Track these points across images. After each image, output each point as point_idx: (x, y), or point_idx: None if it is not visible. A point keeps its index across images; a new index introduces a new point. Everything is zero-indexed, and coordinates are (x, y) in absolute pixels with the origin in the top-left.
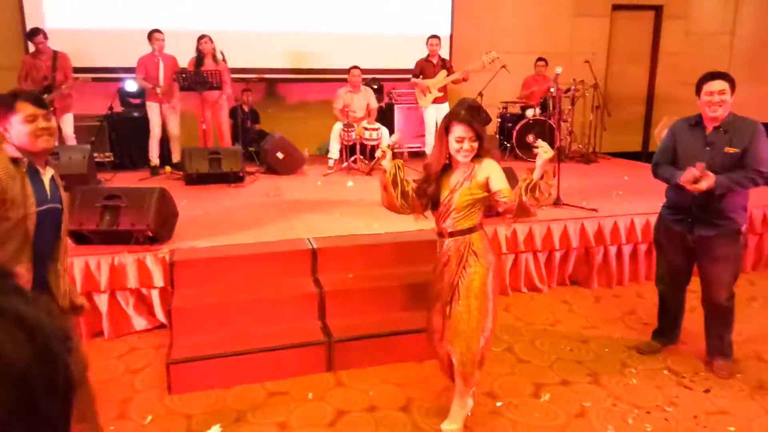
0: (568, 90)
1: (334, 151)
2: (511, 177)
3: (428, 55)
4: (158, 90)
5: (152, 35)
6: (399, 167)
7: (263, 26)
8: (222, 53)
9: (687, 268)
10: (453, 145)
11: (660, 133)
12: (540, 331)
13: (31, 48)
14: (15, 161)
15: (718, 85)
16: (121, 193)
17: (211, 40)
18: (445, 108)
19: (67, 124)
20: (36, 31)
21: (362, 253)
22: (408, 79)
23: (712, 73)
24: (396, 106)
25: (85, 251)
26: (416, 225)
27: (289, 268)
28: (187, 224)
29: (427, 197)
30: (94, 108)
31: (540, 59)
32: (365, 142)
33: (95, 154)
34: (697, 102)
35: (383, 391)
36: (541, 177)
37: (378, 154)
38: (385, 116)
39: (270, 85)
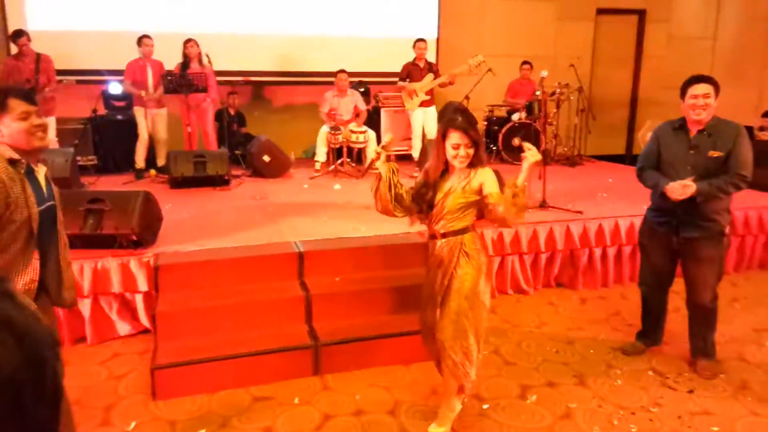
0: (553, 93)
1: (321, 154)
2: (498, 180)
3: (415, 59)
4: (143, 93)
5: (141, 40)
6: (394, 171)
7: (249, 29)
8: (208, 56)
9: (670, 269)
10: (449, 152)
11: (644, 136)
12: (526, 333)
13: (14, 50)
14: (12, 162)
15: (703, 88)
16: (104, 197)
17: (197, 43)
18: (431, 111)
19: (50, 127)
20: (19, 33)
21: (349, 256)
22: (394, 83)
23: (696, 76)
24: (382, 110)
25: None
26: (403, 228)
27: (275, 271)
28: (171, 228)
29: (426, 202)
30: (78, 111)
31: (525, 63)
32: (352, 145)
33: (78, 158)
34: (681, 105)
35: (370, 395)
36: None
37: (372, 155)
38: (372, 119)
39: (256, 88)
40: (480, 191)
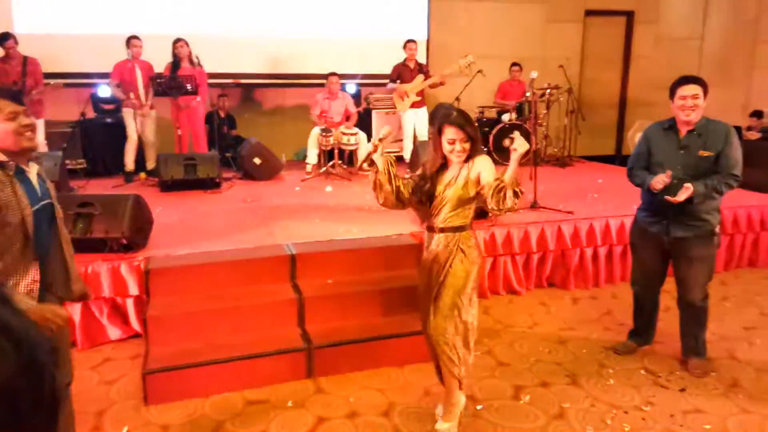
0: (543, 94)
1: (312, 156)
2: None
3: (405, 60)
4: (131, 96)
5: (130, 41)
6: (391, 163)
7: (239, 31)
8: (198, 57)
9: (661, 269)
10: (445, 147)
11: (633, 136)
12: (519, 334)
13: (0, 53)
14: (1, 165)
15: (692, 89)
16: (94, 201)
17: (186, 43)
18: (423, 112)
19: (38, 130)
20: (6, 36)
21: (342, 258)
22: (385, 84)
23: (686, 77)
24: (373, 111)
25: None
26: (395, 229)
27: (267, 274)
28: (162, 231)
29: (424, 194)
30: (66, 114)
31: (515, 64)
32: (343, 147)
33: (67, 161)
34: (671, 106)
35: (364, 397)
36: (514, 178)
37: (369, 147)
38: (363, 121)
39: (246, 90)
40: (478, 182)
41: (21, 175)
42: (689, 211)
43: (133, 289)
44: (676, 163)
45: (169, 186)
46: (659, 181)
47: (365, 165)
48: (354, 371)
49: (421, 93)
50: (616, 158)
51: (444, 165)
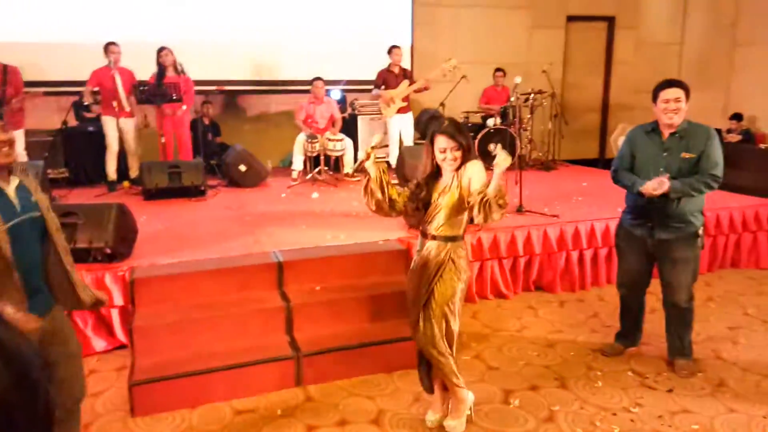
0: (527, 99)
1: (298, 163)
2: None
3: (390, 65)
4: (114, 104)
5: (108, 47)
6: (384, 171)
7: (222, 37)
8: (181, 65)
9: (647, 271)
10: (438, 155)
11: (616, 140)
12: (507, 337)
13: None
14: None
15: (674, 92)
16: (77, 210)
17: (171, 51)
18: (408, 118)
19: (18, 140)
20: None
21: (329, 264)
22: (369, 90)
23: (668, 80)
24: (359, 117)
25: None
26: (383, 235)
27: (254, 282)
28: (147, 240)
29: (420, 201)
30: (47, 123)
31: (498, 70)
32: (329, 153)
33: (49, 171)
34: (653, 109)
35: (353, 404)
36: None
37: (362, 156)
38: (348, 127)
39: (229, 96)
40: (470, 187)
41: None
42: (673, 213)
43: (118, 300)
44: (659, 165)
45: (153, 194)
46: (650, 186)
47: (357, 172)
48: (343, 378)
49: (406, 98)
50: (599, 161)
51: (439, 172)
